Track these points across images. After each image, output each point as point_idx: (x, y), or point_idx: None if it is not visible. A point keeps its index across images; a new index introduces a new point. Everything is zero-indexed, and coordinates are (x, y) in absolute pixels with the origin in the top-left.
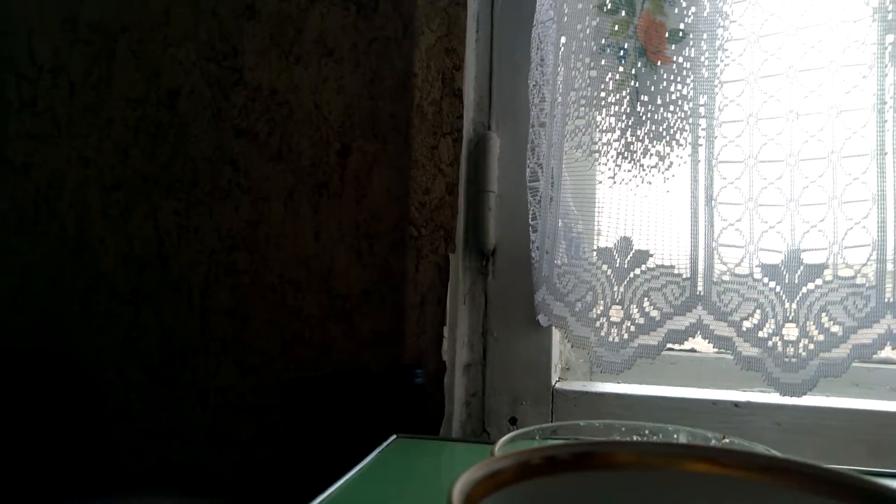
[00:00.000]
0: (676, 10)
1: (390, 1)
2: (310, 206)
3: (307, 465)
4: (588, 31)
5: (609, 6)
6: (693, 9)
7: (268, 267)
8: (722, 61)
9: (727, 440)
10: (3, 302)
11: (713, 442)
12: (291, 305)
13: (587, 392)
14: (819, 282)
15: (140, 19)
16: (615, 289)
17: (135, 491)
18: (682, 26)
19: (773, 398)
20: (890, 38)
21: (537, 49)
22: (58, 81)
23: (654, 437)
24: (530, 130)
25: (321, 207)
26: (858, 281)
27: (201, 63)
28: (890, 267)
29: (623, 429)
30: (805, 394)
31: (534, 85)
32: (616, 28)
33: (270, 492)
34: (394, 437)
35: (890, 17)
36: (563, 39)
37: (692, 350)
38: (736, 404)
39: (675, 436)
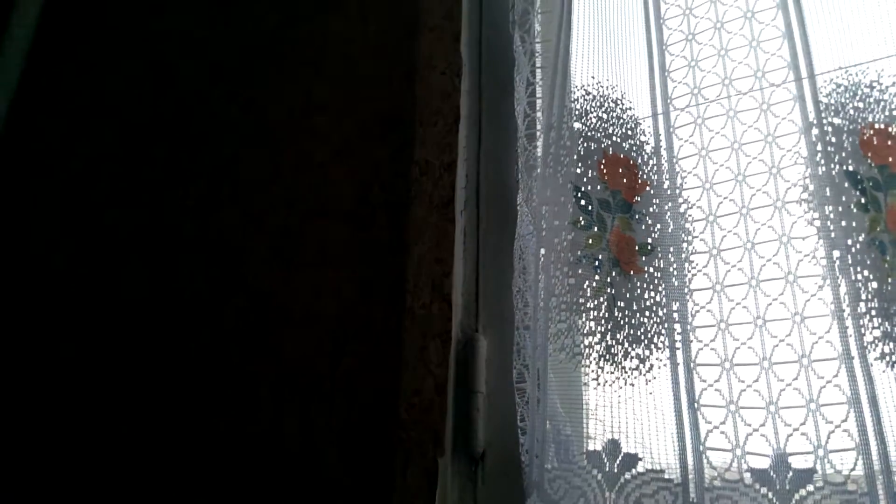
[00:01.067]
0: (643, 227)
1: (385, 216)
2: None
3: None
4: (565, 244)
5: (582, 223)
6: (658, 226)
7: None
8: (689, 272)
9: None
10: None
11: None
12: None
13: None
14: (811, 487)
15: None
16: (607, 495)
17: None
18: (649, 240)
19: None
20: (836, 253)
21: (519, 258)
22: None
23: None
24: (516, 333)
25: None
26: (850, 487)
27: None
28: (879, 476)
29: None
30: None
31: (517, 291)
32: (590, 241)
33: None
34: None
35: (832, 235)
36: (542, 251)
37: None
38: None
39: None
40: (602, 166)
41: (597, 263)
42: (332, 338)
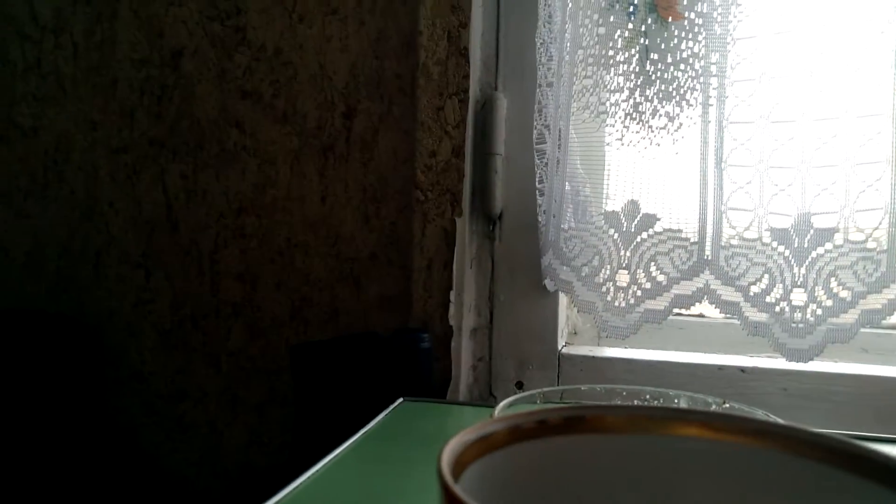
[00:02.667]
0: None
1: None
2: (316, 169)
3: (317, 428)
4: None
5: None
6: None
7: (276, 231)
8: (735, 17)
9: (727, 405)
10: (18, 265)
11: (713, 407)
12: (300, 269)
13: (593, 357)
14: (829, 246)
15: None
16: (622, 253)
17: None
18: None
19: (780, 364)
20: None
21: (545, 4)
22: (60, 42)
23: (655, 402)
24: (538, 91)
25: (327, 171)
26: (869, 245)
27: (204, 22)
28: None
29: (624, 393)
30: (811, 359)
31: (541, 43)
32: None
33: (282, 453)
34: (400, 400)
35: None
36: None
37: (700, 315)
38: (742, 370)
39: (676, 401)
40: None
41: (631, 9)
42: (344, 96)
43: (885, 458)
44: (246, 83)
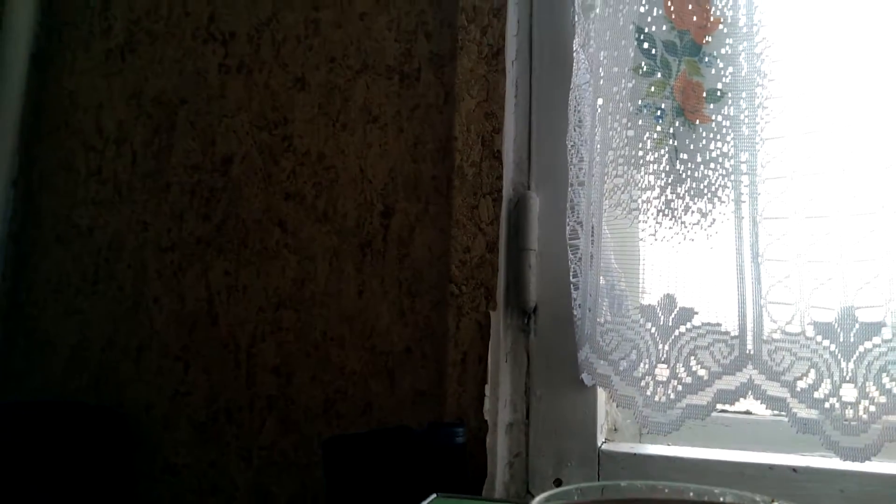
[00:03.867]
0: (713, 71)
1: (432, 70)
2: (354, 265)
3: None
4: (624, 93)
5: (644, 69)
6: (730, 69)
7: (312, 324)
8: (762, 119)
9: (776, 503)
10: (63, 358)
11: None
12: (335, 362)
13: (635, 454)
14: (878, 340)
15: (198, 92)
16: (660, 347)
17: None
18: (719, 86)
19: (836, 463)
20: None
21: (574, 111)
22: (121, 151)
23: (700, 500)
24: (569, 189)
25: (364, 266)
26: None
27: (254, 132)
28: None
29: (667, 490)
30: (868, 459)
31: (572, 146)
32: (652, 89)
33: None
34: (434, 495)
35: None
36: (599, 101)
37: (747, 412)
38: (794, 469)
39: (721, 498)
40: (668, 3)
41: (659, 113)
42: (382, 197)
43: None
44: (290, 186)
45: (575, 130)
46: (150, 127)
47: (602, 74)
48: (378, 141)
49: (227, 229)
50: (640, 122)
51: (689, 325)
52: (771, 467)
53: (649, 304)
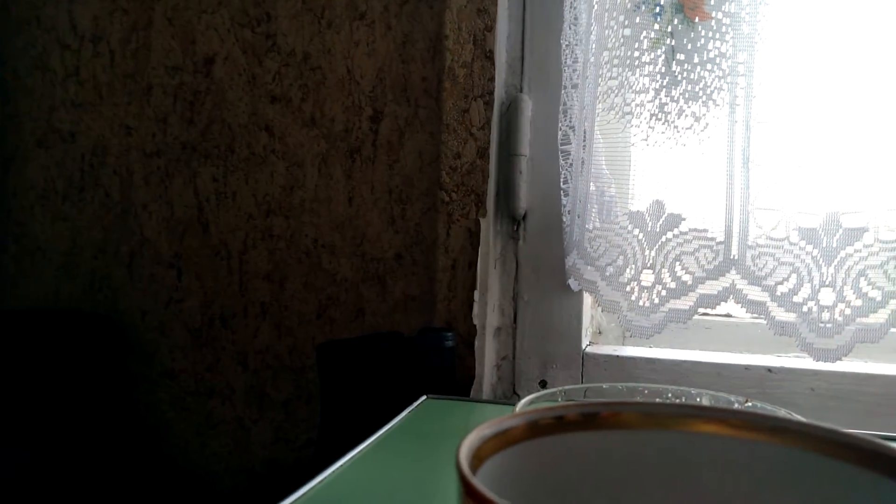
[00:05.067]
0: None
1: None
2: (343, 171)
3: (342, 425)
4: None
5: None
6: None
7: (303, 231)
8: (764, 16)
9: (750, 404)
10: (54, 266)
11: (735, 406)
12: (326, 269)
13: (617, 356)
14: (859, 245)
15: None
16: (647, 253)
17: None
18: None
19: (808, 364)
20: None
21: (570, 7)
22: (98, 50)
23: (677, 400)
24: (562, 92)
25: (354, 173)
26: None
27: (235, 29)
28: None
29: (646, 391)
30: (839, 359)
31: (566, 45)
32: None
33: (308, 449)
34: (424, 397)
35: None
36: None
37: (727, 315)
38: (769, 369)
39: (698, 399)
40: None
41: (657, 10)
42: (371, 100)
43: None
44: (275, 88)
45: (570, 28)
46: (126, 24)
47: None
48: (365, 39)
49: (212, 134)
50: (637, 19)
51: (676, 231)
52: (747, 368)
53: (638, 210)
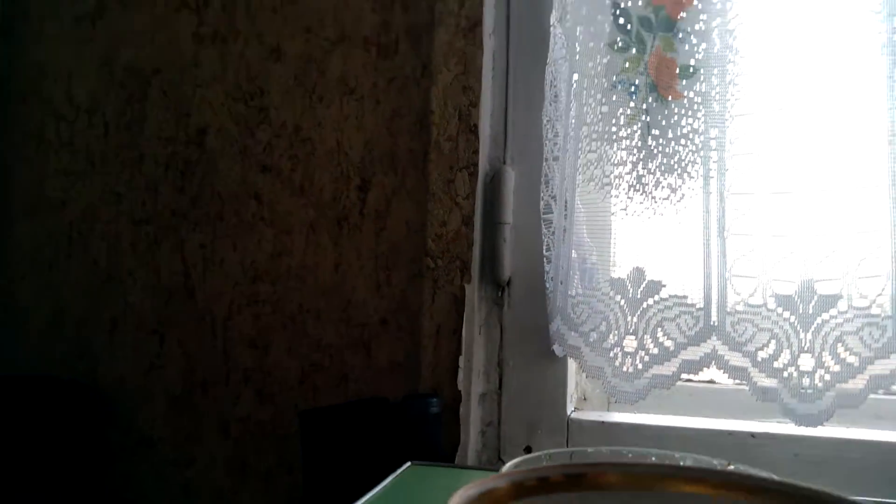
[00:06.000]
0: (686, 47)
1: (409, 42)
2: (330, 238)
3: (325, 493)
4: (599, 69)
5: (620, 44)
6: (703, 45)
7: (289, 297)
8: (733, 95)
9: (732, 467)
10: (37, 332)
11: (717, 468)
12: (311, 334)
13: (602, 422)
14: (834, 312)
15: (171, 62)
16: (629, 319)
17: None
18: (692, 62)
19: (791, 429)
20: None
21: (551, 86)
22: (93, 122)
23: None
24: (544, 164)
25: (341, 240)
26: (874, 311)
27: (229, 103)
28: None
29: (630, 455)
30: (821, 424)
31: (547, 120)
32: (627, 65)
33: None
34: (408, 464)
35: None
36: (575, 76)
37: (710, 381)
38: (753, 435)
39: (682, 462)
40: None
41: (633, 89)
42: (359, 170)
43: None
44: (266, 158)
45: (550, 105)
46: (122, 97)
47: (578, 49)
48: (355, 113)
49: (202, 202)
50: (614, 97)
51: (656, 298)
52: (730, 433)
53: (619, 277)
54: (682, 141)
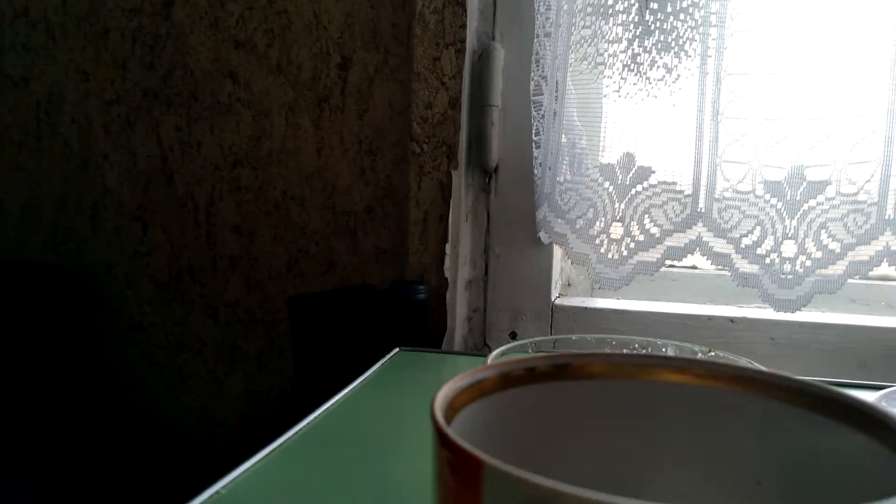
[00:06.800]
0: None
1: None
2: (311, 120)
3: (314, 377)
4: None
5: None
6: None
7: (271, 183)
8: None
9: (713, 354)
10: (14, 217)
11: (699, 355)
12: (296, 222)
13: (586, 308)
14: (821, 198)
15: None
16: (616, 206)
17: None
18: None
19: (769, 314)
20: None
21: None
22: None
23: (644, 351)
24: (535, 41)
25: (322, 122)
26: (861, 197)
27: None
28: (893, 183)
29: (614, 342)
30: (799, 310)
31: None
32: None
33: (280, 403)
34: (396, 349)
35: None
36: None
37: (693, 267)
38: (732, 320)
39: (664, 349)
40: None
41: None
42: (339, 46)
43: (852, 400)
44: (239, 32)
45: None
46: None
47: None
48: None
49: (174, 80)
50: None
51: (645, 184)
52: (710, 318)
53: (609, 163)
54: (682, 15)
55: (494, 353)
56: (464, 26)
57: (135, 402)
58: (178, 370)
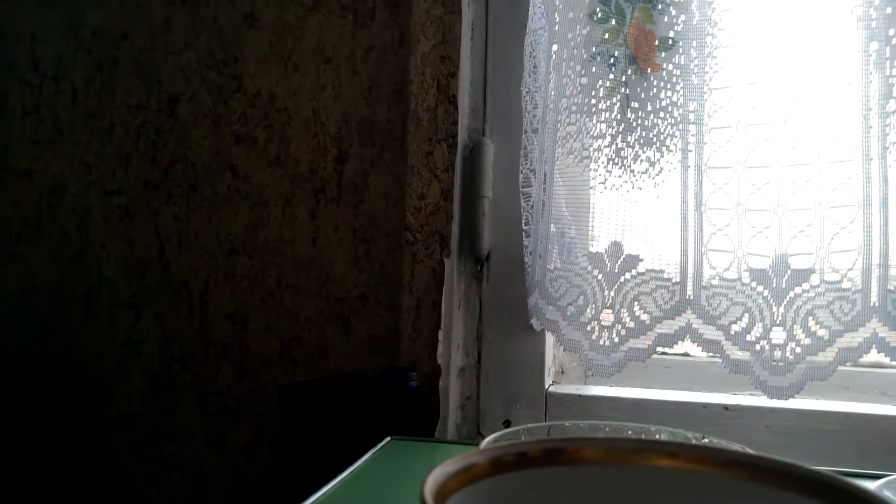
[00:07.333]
0: (666, 19)
1: (387, 10)
2: (308, 211)
3: (305, 468)
4: (579, 40)
5: (599, 15)
6: (682, 17)
7: (266, 271)
8: (711, 68)
9: (706, 440)
10: (8, 306)
11: (692, 441)
12: (290, 309)
13: (580, 395)
14: (806, 286)
15: (141, 26)
16: (606, 293)
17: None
18: (671, 34)
19: (763, 402)
20: (874, 45)
21: (530, 56)
22: (61, 88)
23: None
24: (523, 136)
25: (319, 212)
26: (845, 285)
27: (201, 70)
28: (875, 272)
29: (607, 429)
30: (792, 397)
31: (526, 92)
32: (606, 36)
33: (268, 494)
34: (388, 438)
35: (874, 24)
36: (554, 47)
37: (685, 354)
38: (726, 407)
39: (657, 436)
40: None
41: (612, 61)
42: (336, 141)
43: (847, 485)
44: (240, 128)
45: (530, 76)
46: (90, 63)
47: (557, 20)
48: (332, 83)
49: (175, 173)
50: (593, 69)
51: (634, 272)
52: (705, 405)
53: (597, 252)
54: (661, 114)
55: (487, 439)
56: (455, 123)
57: (118, 494)
58: (163, 461)
